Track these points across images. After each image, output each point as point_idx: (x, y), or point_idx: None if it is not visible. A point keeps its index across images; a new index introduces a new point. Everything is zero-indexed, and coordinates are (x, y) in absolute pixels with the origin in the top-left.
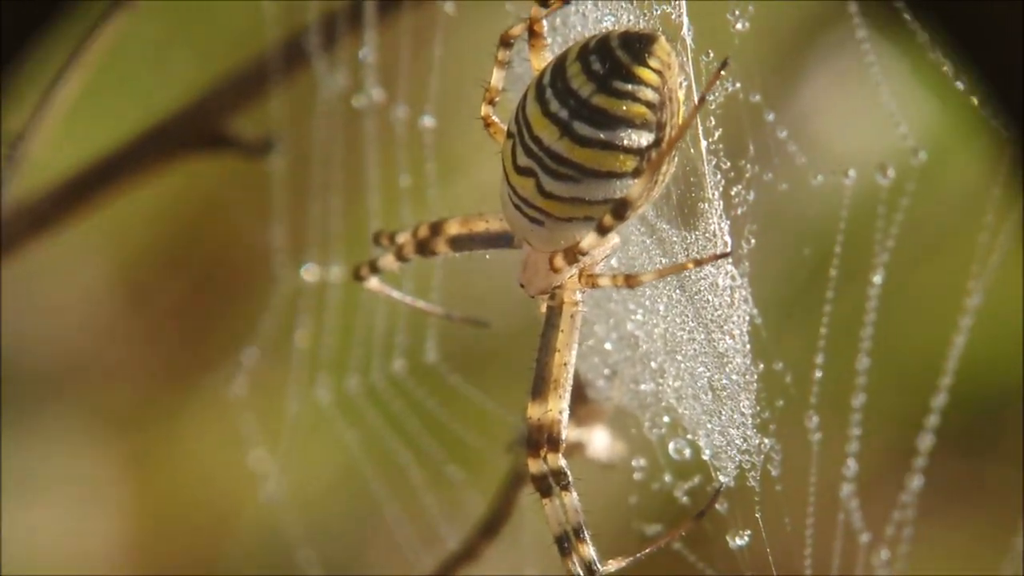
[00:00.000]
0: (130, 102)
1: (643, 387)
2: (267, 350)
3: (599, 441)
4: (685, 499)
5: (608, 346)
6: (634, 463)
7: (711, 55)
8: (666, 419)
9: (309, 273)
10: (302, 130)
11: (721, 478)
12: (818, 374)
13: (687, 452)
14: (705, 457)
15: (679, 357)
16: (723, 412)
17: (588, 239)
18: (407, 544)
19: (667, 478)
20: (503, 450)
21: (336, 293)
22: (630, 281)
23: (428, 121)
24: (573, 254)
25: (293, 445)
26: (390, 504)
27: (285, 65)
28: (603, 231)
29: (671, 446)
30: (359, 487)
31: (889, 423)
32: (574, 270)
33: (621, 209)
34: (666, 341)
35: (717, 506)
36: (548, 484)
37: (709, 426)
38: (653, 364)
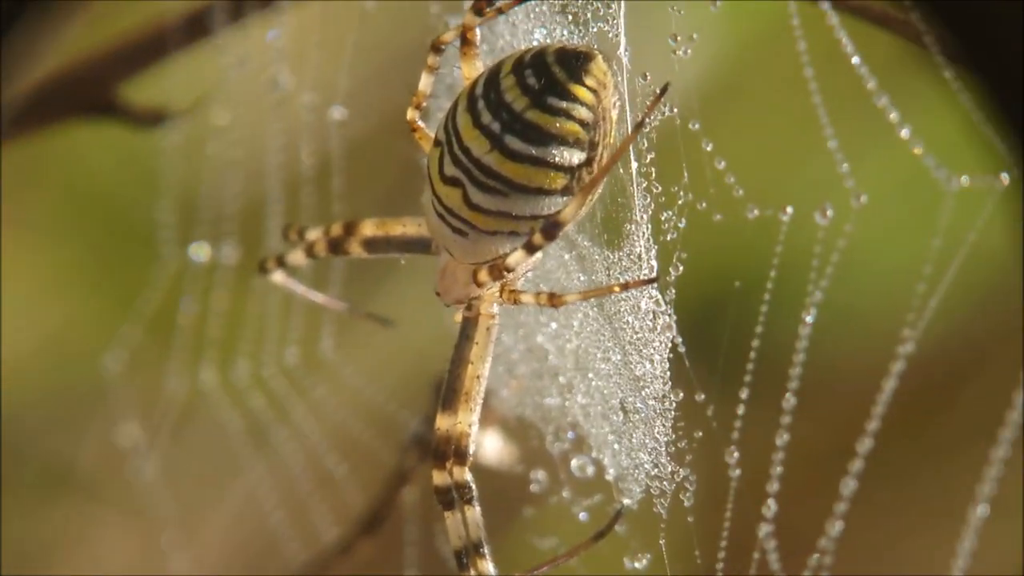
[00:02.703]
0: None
1: (548, 400)
2: (149, 328)
3: (490, 444)
4: (583, 516)
5: (515, 356)
6: (532, 475)
7: (648, 78)
8: (571, 435)
9: (199, 252)
10: (199, 107)
11: (624, 500)
12: (741, 409)
13: (590, 470)
14: (609, 477)
15: (591, 375)
16: (634, 435)
17: (515, 256)
18: (282, 533)
19: (565, 493)
20: (398, 450)
21: (227, 275)
22: (554, 300)
23: (337, 112)
24: (499, 270)
25: (169, 424)
26: (268, 494)
27: (185, 38)
28: (532, 249)
29: (574, 462)
30: (236, 473)
31: (814, 465)
32: (497, 285)
33: (552, 229)
34: (578, 358)
35: (618, 528)
36: (451, 497)
37: (616, 447)
38: (562, 379)
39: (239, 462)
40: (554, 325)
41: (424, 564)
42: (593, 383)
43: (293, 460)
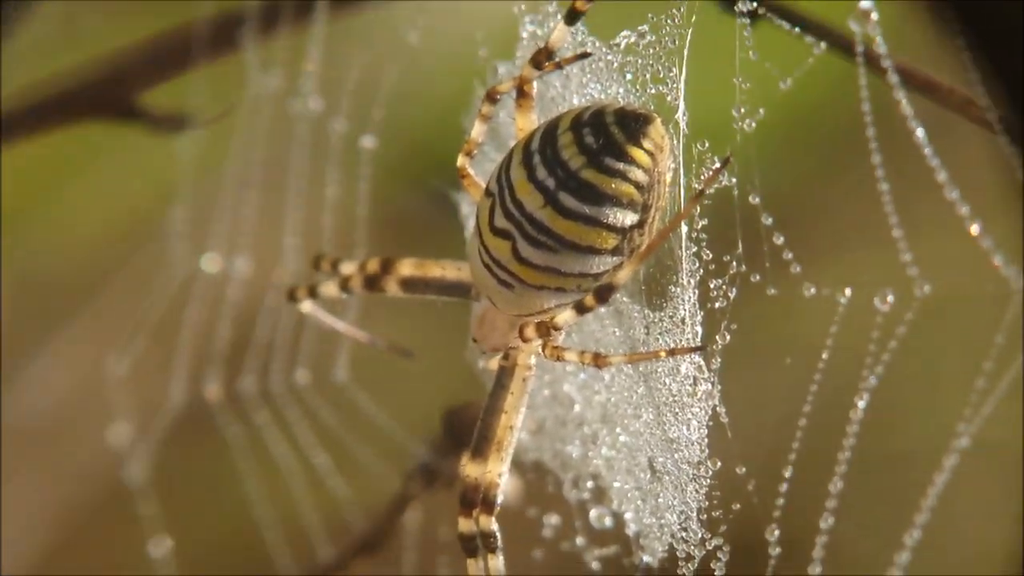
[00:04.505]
0: (39, 63)
1: (569, 448)
2: (155, 333)
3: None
4: (596, 565)
5: (539, 400)
6: (545, 519)
7: (706, 144)
8: (590, 484)
9: (210, 262)
10: (224, 122)
11: (644, 557)
12: (784, 487)
13: (608, 521)
14: (629, 532)
15: (618, 430)
16: (662, 495)
17: (564, 315)
18: (276, 546)
19: (579, 540)
20: (403, 477)
21: (238, 289)
22: (598, 361)
23: (368, 141)
24: (546, 327)
25: (167, 432)
26: (263, 506)
27: (211, 49)
28: (582, 310)
29: (592, 513)
30: (231, 482)
31: (857, 552)
32: (541, 340)
33: (605, 292)
34: (606, 411)
35: None
36: (476, 545)
37: (641, 504)
38: (586, 429)
39: (236, 474)
40: (583, 376)
41: None
42: (620, 438)
43: (294, 479)
